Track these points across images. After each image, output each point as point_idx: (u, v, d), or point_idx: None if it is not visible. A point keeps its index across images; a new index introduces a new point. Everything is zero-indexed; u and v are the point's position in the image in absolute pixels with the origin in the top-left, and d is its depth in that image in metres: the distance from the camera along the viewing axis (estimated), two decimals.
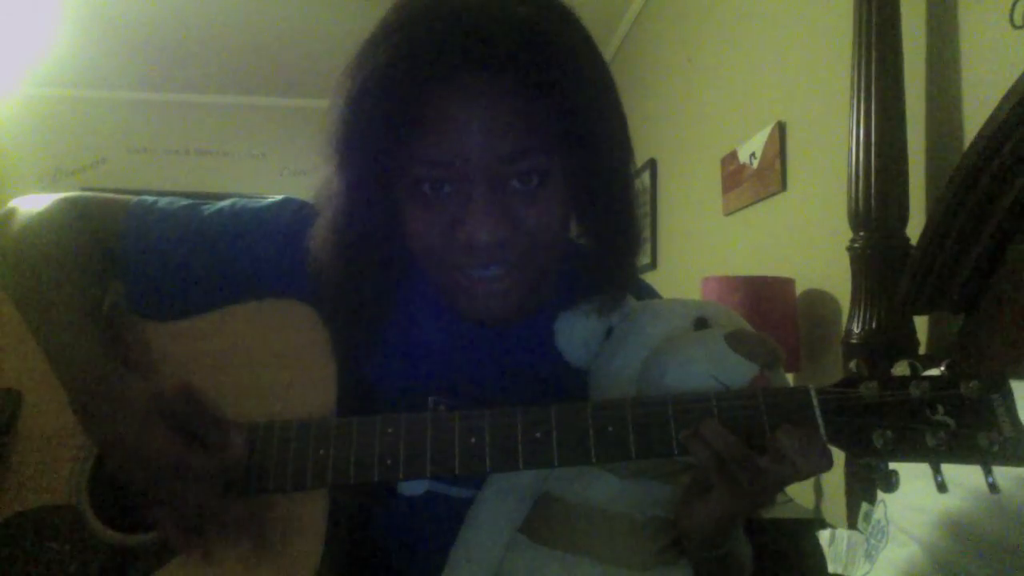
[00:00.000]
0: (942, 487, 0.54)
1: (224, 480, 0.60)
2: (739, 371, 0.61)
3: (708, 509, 0.60)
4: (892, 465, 0.56)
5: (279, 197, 0.78)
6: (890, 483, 0.55)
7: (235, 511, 0.60)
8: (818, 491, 1.65)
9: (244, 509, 0.60)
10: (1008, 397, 0.54)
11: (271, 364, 0.68)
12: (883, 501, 1.01)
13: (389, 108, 0.59)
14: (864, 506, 1.12)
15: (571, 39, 0.61)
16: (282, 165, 4.56)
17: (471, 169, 0.60)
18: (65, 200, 0.75)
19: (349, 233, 0.66)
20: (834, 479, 1.48)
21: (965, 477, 0.61)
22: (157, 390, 0.61)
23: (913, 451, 0.55)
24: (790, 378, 1.51)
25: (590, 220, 0.70)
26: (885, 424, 0.55)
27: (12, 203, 0.76)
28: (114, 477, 0.62)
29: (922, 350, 1.28)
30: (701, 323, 0.67)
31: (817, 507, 1.64)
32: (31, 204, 0.75)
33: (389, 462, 0.60)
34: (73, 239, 0.71)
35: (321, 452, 0.61)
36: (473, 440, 0.59)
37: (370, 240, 0.66)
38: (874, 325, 1.26)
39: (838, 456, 0.56)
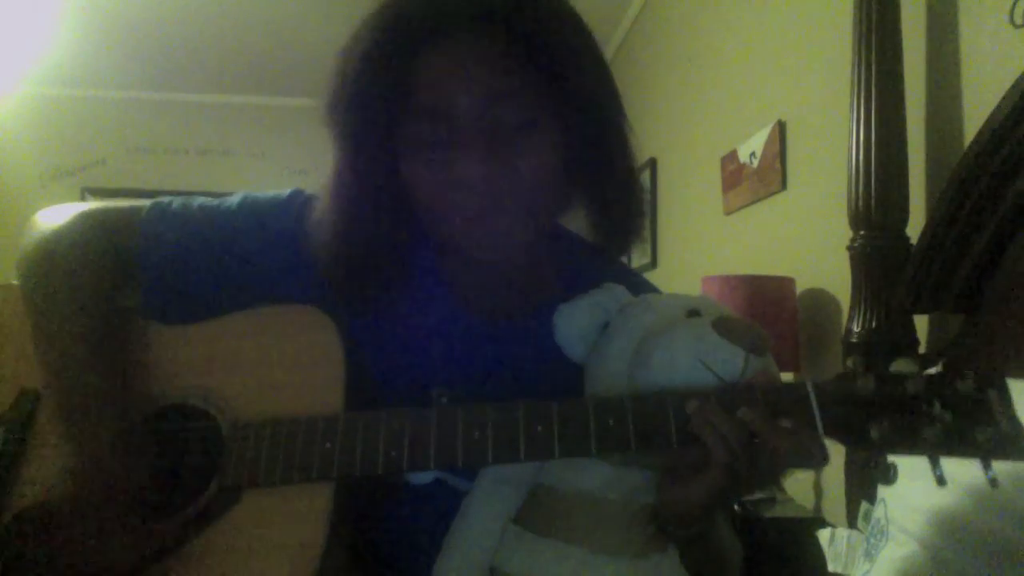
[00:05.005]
0: (941, 480, 0.54)
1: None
2: (725, 354, 0.61)
3: (695, 489, 0.60)
4: (893, 461, 0.56)
5: (287, 190, 0.80)
6: (888, 476, 0.55)
7: None
8: (818, 491, 1.65)
9: None
10: (1004, 393, 0.54)
11: (282, 366, 0.70)
12: (883, 500, 1.01)
13: (381, 73, 0.63)
14: (864, 505, 1.12)
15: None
16: (283, 165, 4.56)
17: (461, 114, 0.63)
18: (83, 213, 0.77)
19: (348, 196, 0.69)
20: (834, 479, 1.48)
21: (965, 476, 0.62)
22: (149, 399, 0.65)
23: (910, 444, 0.55)
24: (790, 378, 1.51)
25: (588, 181, 0.72)
26: (882, 417, 0.56)
27: (34, 216, 0.79)
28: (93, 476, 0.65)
29: (922, 350, 1.29)
30: (693, 314, 0.67)
31: (817, 507, 1.64)
32: (51, 216, 0.77)
33: (393, 454, 0.62)
34: (91, 249, 0.74)
35: (327, 445, 0.63)
36: (476, 434, 0.61)
37: (368, 203, 0.69)
38: (874, 324, 1.26)
39: (838, 457, 0.57)
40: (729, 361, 0.61)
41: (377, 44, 0.63)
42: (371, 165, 0.67)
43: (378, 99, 0.64)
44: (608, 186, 0.73)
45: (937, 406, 0.55)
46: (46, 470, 0.69)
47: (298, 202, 0.77)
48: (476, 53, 0.63)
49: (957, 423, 0.54)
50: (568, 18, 0.67)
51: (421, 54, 0.64)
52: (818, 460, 0.55)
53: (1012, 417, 0.53)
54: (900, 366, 0.57)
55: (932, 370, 0.57)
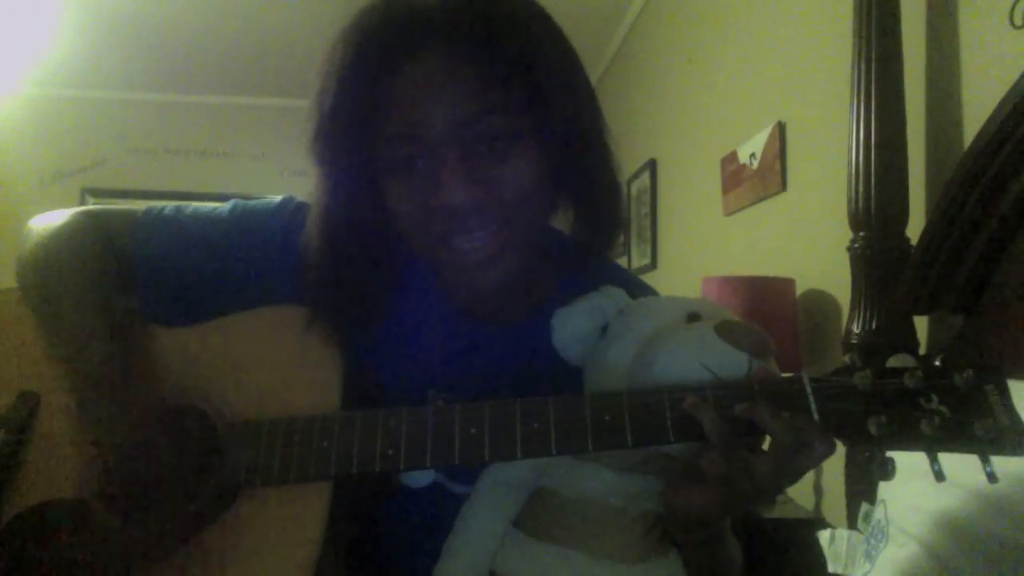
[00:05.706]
0: (940, 476, 0.54)
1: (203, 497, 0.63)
2: (728, 359, 0.61)
3: (700, 497, 0.60)
4: (891, 456, 0.56)
5: (278, 197, 0.80)
6: (886, 471, 0.55)
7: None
8: (818, 491, 1.65)
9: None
10: (1003, 388, 0.54)
11: (278, 366, 0.70)
12: (883, 501, 1.01)
13: (355, 98, 0.62)
14: (864, 506, 1.12)
15: (522, 8, 0.64)
16: (282, 166, 4.55)
17: (436, 136, 0.61)
18: (81, 213, 0.78)
19: (333, 224, 0.68)
20: (834, 480, 1.48)
21: (964, 476, 0.61)
22: (160, 399, 0.65)
23: (908, 438, 0.55)
24: None
25: (570, 187, 0.71)
26: (879, 411, 0.55)
27: (30, 222, 0.79)
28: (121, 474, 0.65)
29: (922, 350, 1.28)
30: (694, 318, 0.67)
31: (817, 507, 1.64)
32: (49, 219, 0.78)
33: (391, 452, 0.62)
34: (88, 250, 0.75)
35: (324, 444, 0.63)
36: (473, 431, 0.61)
37: (354, 230, 0.68)
38: (874, 325, 1.26)
39: (838, 458, 0.56)
40: (733, 366, 0.61)
41: (350, 66, 0.62)
42: (352, 190, 0.66)
43: (354, 124, 0.63)
44: (591, 193, 0.72)
45: (935, 400, 0.55)
46: (47, 472, 0.69)
47: (289, 208, 0.78)
48: (450, 71, 0.61)
49: (955, 417, 0.54)
50: (543, 28, 0.65)
51: (395, 74, 0.62)
52: (820, 450, 0.54)
53: (1011, 411, 0.53)
54: (897, 361, 0.57)
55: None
